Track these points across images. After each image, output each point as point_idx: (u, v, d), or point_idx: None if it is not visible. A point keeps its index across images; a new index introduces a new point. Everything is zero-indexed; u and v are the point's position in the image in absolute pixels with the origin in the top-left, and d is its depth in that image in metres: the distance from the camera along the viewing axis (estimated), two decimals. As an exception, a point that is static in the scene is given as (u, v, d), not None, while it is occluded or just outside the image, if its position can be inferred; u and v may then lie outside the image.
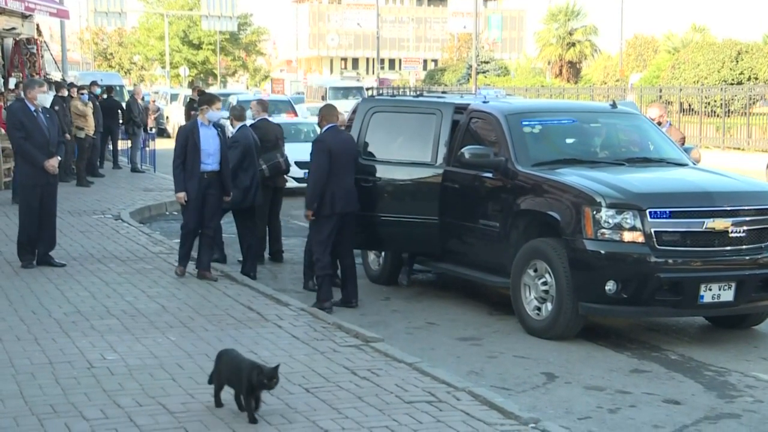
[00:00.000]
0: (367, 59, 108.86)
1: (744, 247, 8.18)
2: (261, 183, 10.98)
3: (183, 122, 18.39)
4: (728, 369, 7.62)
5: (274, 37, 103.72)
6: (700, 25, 66.47)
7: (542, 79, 60.76)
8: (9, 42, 21.72)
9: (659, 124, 11.08)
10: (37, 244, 10.58)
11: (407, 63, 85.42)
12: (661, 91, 36.15)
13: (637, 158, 9.50)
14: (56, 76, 25.39)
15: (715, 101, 33.55)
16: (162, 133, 34.27)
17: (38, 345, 7.34)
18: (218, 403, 5.92)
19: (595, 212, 8.01)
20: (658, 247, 7.94)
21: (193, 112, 12.06)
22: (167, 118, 37.50)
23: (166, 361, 6.95)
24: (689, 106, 34.93)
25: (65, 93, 19.03)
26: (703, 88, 34.95)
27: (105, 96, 22.89)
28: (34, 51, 22.17)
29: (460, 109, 9.93)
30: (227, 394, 5.89)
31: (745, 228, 8.17)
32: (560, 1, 69.65)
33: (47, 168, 10.39)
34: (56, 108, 15.30)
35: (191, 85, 32.54)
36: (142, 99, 24.06)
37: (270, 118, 12.80)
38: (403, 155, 10.07)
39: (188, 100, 23.79)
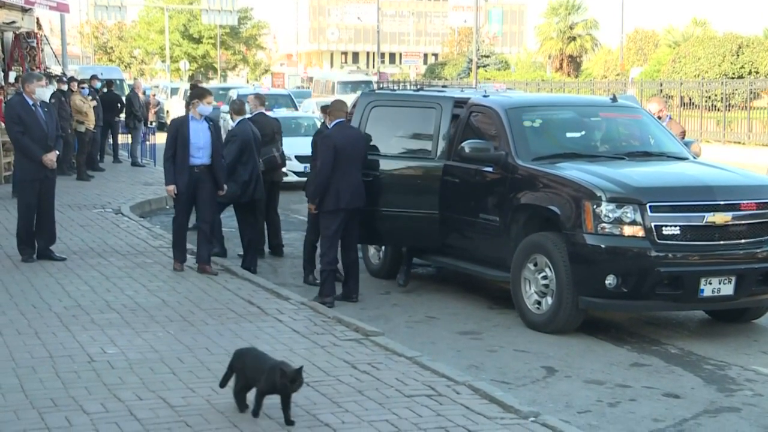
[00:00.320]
0: (368, 53, 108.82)
1: (744, 241, 8.19)
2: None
3: (183, 116, 18.36)
4: (728, 363, 7.63)
5: (275, 31, 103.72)
6: (700, 18, 66.37)
7: (543, 74, 60.69)
8: (9, 36, 21.68)
9: (659, 118, 11.08)
10: (36, 238, 10.59)
11: (407, 57, 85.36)
12: (661, 85, 36.09)
13: (637, 152, 9.49)
14: (56, 70, 25.35)
15: (716, 95, 33.51)
16: (162, 127, 34.07)
17: (39, 339, 7.35)
18: (242, 408, 5.66)
19: (595, 206, 8.01)
20: (658, 241, 7.94)
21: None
22: (167, 112, 37.45)
23: (166, 355, 6.95)
24: (690, 100, 34.88)
25: (65, 87, 19.01)
26: (704, 82, 34.90)
27: (105, 90, 22.88)
28: (34, 45, 22.11)
29: (460, 103, 9.92)
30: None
31: (745, 222, 8.17)
32: (560, -5, 69.62)
33: (45, 162, 10.38)
34: (53, 101, 15.28)
35: (191, 79, 32.58)
36: (143, 93, 24.03)
37: (267, 113, 12.79)
38: (403, 149, 10.08)
39: (188, 94, 23.75)
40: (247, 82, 75.63)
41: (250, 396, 5.69)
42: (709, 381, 7.16)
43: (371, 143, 9.92)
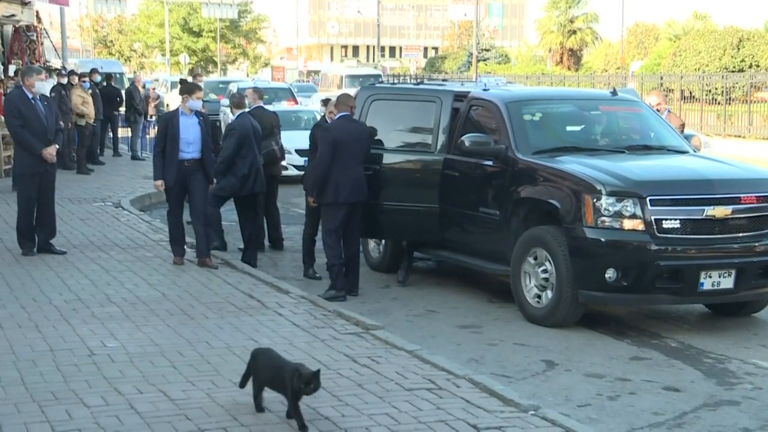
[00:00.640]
0: (368, 47, 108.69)
1: (744, 234, 8.18)
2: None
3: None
4: (728, 356, 7.63)
5: (274, 25, 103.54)
6: (701, 12, 66.28)
7: (543, 67, 60.67)
8: (8, 29, 21.67)
9: (657, 111, 11.07)
10: (37, 232, 10.59)
11: (408, 51, 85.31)
12: (662, 78, 36.06)
13: (637, 146, 9.48)
14: (56, 63, 25.34)
15: (716, 89, 33.49)
16: (162, 120, 34.21)
17: (39, 332, 7.35)
18: (259, 408, 5.61)
19: (595, 200, 8.01)
20: (658, 234, 7.94)
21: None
22: (167, 105, 37.40)
23: (166, 349, 6.96)
24: (690, 93, 34.86)
25: (65, 80, 18.99)
26: (704, 75, 34.88)
27: (105, 84, 22.86)
28: (34, 38, 22.11)
29: (460, 96, 9.91)
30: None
31: (745, 215, 8.17)
32: (561, -12, 69.48)
33: (45, 156, 10.37)
34: (53, 94, 15.26)
35: (191, 72, 32.46)
36: (143, 86, 24.01)
37: (266, 106, 12.77)
38: (403, 143, 10.07)
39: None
40: (247, 75, 75.61)
41: (267, 396, 5.62)
42: (708, 374, 7.16)
43: (376, 137, 9.91)
